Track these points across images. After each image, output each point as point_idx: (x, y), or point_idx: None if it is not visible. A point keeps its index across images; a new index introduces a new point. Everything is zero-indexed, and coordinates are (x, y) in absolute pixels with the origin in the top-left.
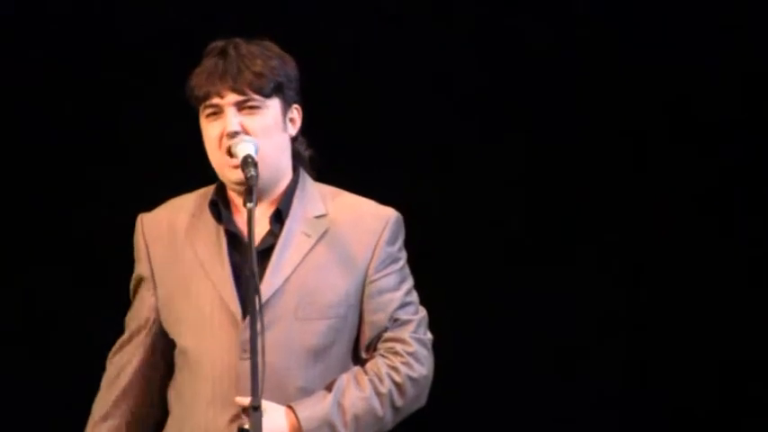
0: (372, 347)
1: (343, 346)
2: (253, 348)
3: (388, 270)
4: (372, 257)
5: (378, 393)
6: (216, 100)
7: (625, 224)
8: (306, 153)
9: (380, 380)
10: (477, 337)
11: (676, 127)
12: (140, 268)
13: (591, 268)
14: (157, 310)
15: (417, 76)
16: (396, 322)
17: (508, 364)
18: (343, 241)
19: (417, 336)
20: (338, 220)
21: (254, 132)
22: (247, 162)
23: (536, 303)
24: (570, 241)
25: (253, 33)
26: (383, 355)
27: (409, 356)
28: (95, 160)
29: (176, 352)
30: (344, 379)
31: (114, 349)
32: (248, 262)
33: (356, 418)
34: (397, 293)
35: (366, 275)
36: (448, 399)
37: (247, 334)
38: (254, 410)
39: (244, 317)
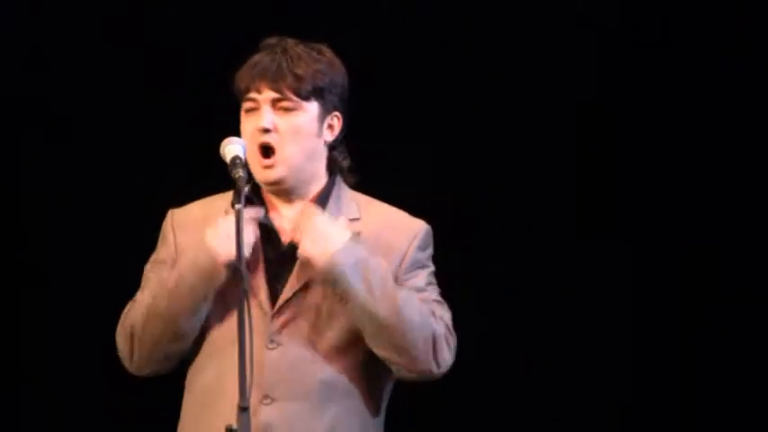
0: None
1: (366, 345)
2: (241, 347)
3: (417, 273)
4: (402, 262)
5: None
6: (254, 95)
7: (629, 225)
8: (344, 162)
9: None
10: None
11: (679, 126)
12: (163, 253)
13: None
14: None
15: (421, 78)
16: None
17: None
18: (374, 246)
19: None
20: (370, 226)
21: (283, 132)
22: (235, 163)
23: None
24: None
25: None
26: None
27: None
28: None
29: (195, 339)
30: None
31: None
32: (238, 263)
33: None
34: (425, 293)
35: (395, 278)
36: (454, 399)
37: (276, 325)
38: (243, 411)
39: (273, 309)
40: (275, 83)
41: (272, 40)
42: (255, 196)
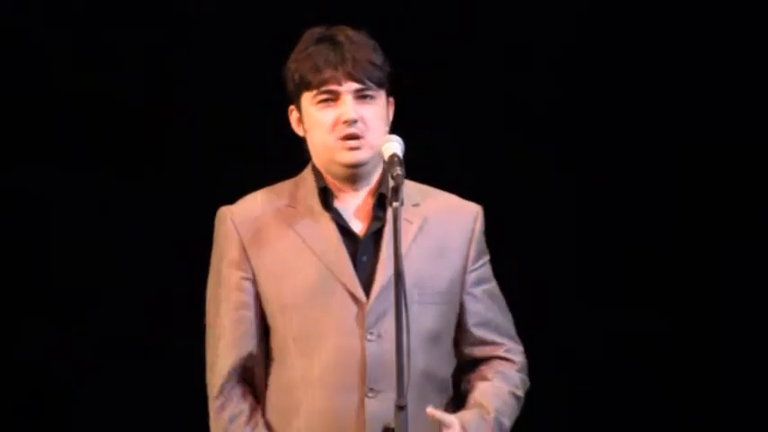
0: (474, 338)
1: (451, 332)
2: (399, 349)
3: (483, 261)
4: (470, 248)
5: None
6: (333, 86)
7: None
8: None
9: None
10: None
11: (685, 128)
12: (231, 252)
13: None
14: (255, 294)
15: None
16: (500, 314)
17: None
18: (440, 231)
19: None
20: (431, 210)
21: (367, 121)
22: (393, 161)
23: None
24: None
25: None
26: (518, 370)
27: (524, 371)
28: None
29: (277, 338)
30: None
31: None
32: (395, 260)
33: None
34: (492, 283)
35: (465, 265)
36: None
37: (372, 317)
38: (400, 410)
39: (368, 300)
40: (357, 73)
41: (321, 30)
42: (324, 191)
